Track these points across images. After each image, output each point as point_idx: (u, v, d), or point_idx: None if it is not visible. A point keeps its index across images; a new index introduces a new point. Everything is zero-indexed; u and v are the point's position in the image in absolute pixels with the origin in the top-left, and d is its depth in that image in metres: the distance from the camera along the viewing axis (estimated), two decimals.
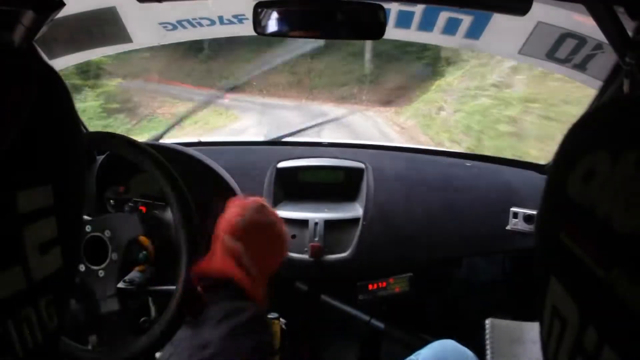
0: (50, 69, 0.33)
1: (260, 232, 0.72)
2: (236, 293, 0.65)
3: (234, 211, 0.74)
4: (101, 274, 0.88)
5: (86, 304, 0.91)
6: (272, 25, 0.88)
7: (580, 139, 0.28)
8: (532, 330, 0.99)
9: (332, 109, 5.73)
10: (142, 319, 0.94)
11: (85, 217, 0.91)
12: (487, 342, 1.00)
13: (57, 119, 0.33)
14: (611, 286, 0.22)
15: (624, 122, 0.25)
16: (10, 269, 0.29)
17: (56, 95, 0.34)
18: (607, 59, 1.05)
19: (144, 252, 0.90)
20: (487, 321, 1.02)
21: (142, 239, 0.91)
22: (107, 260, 0.88)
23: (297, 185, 1.30)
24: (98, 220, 0.90)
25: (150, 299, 0.95)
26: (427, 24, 1.37)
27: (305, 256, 1.18)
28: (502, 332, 1.01)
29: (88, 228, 0.89)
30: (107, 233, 0.88)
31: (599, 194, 0.24)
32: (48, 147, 0.32)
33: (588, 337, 0.24)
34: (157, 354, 0.83)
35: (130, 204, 1.03)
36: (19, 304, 0.30)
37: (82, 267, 0.88)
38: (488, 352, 0.99)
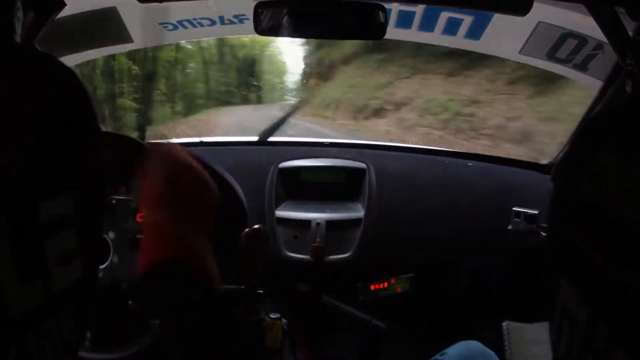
0: (68, 71, 0.32)
1: (176, 184, 0.54)
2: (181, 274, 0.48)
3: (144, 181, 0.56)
4: (99, 274, 0.87)
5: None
6: (273, 25, 0.88)
7: (590, 139, 0.28)
8: (547, 331, 1.00)
9: None
10: None
11: None
12: (506, 344, 1.01)
13: (77, 123, 0.32)
14: (621, 285, 0.22)
15: (633, 123, 0.25)
16: (30, 282, 0.28)
17: (75, 97, 0.32)
18: (609, 59, 1.05)
19: None
20: (504, 324, 1.03)
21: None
22: (107, 262, 0.87)
23: (298, 186, 1.30)
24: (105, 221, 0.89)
25: None
26: (427, 24, 1.38)
27: (307, 256, 1.17)
28: (519, 334, 1.02)
29: None
30: (111, 235, 0.87)
31: (609, 194, 0.24)
32: (68, 153, 0.31)
33: (598, 336, 0.24)
34: None
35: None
36: (39, 317, 0.29)
37: None
38: (507, 354, 1.00)
